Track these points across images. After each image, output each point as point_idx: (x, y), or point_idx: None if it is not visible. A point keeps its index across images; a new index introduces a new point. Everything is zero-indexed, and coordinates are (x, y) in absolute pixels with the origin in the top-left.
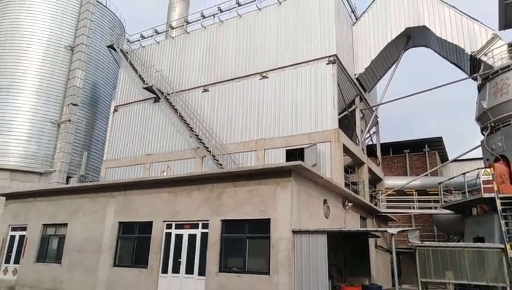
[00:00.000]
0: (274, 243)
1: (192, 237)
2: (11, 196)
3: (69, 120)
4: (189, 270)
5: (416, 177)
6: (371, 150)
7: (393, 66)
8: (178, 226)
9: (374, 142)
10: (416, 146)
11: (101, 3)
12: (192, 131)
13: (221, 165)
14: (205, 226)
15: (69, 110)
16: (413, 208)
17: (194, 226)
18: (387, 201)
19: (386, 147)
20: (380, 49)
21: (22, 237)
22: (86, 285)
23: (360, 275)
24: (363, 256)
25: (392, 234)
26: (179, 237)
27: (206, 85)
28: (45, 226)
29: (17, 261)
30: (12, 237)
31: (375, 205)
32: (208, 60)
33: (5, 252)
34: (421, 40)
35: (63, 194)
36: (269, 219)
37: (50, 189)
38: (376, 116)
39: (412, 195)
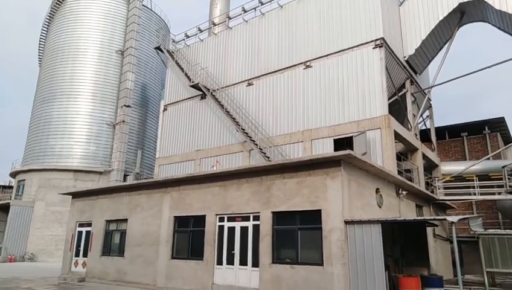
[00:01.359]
0: (326, 234)
1: (244, 230)
2: (76, 195)
3: (123, 121)
4: (243, 261)
5: (477, 162)
6: (424, 135)
7: (446, 45)
8: (230, 219)
9: (428, 127)
10: (475, 128)
11: (147, 7)
12: (239, 125)
13: (268, 157)
14: (256, 218)
15: (123, 111)
16: (474, 194)
17: (246, 218)
18: (445, 188)
19: (441, 131)
20: (431, 28)
21: (88, 233)
22: (147, 276)
23: (418, 266)
24: (420, 246)
25: (453, 222)
26: (232, 230)
27: (250, 79)
28: (108, 222)
29: (85, 255)
30: (80, 233)
31: (432, 192)
32: (251, 54)
33: (75, 246)
34: (477, 15)
35: (122, 191)
36: (320, 210)
37: (111, 187)
38: (429, 99)
39: (473, 180)
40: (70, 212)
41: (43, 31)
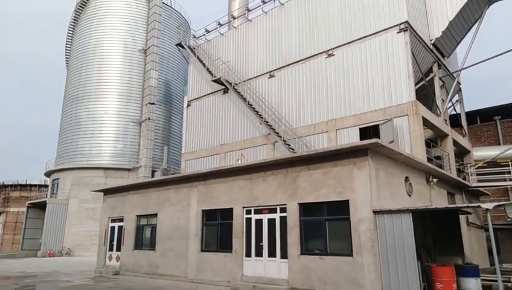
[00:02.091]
0: (355, 225)
1: (271, 222)
2: (108, 191)
3: (149, 118)
4: (272, 253)
5: None
6: (454, 121)
7: (476, 25)
8: (257, 212)
9: (458, 112)
10: (509, 111)
11: (167, 5)
12: (262, 118)
13: (292, 149)
14: (283, 210)
15: (148, 109)
16: (510, 179)
17: (272, 210)
18: (478, 174)
19: (473, 116)
20: (459, 8)
21: (120, 228)
22: (178, 269)
23: (451, 255)
24: (454, 234)
25: (488, 209)
26: (259, 222)
27: (271, 71)
28: (138, 217)
29: (118, 249)
30: (113, 228)
31: (464, 179)
32: (272, 46)
33: (108, 241)
34: None
35: (151, 187)
36: (347, 201)
37: (139, 183)
38: (458, 83)
39: (508, 166)
40: (103, 208)
41: (69, 34)
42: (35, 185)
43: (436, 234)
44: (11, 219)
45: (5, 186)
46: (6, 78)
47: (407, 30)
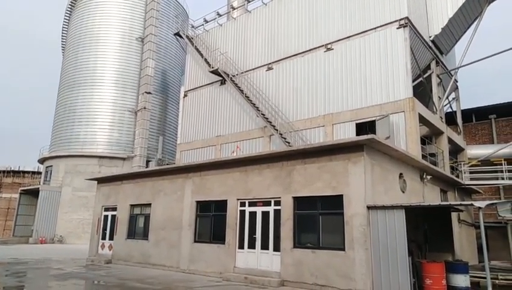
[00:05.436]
0: (348, 219)
1: (265, 214)
2: (102, 180)
3: (145, 108)
4: (265, 246)
5: (506, 145)
6: (450, 118)
7: (475, 23)
8: (251, 204)
9: (454, 109)
10: (504, 110)
11: None
12: (259, 110)
13: (288, 143)
14: (277, 203)
15: (144, 98)
16: (502, 178)
17: (267, 203)
18: (471, 172)
19: (468, 114)
20: (459, 5)
21: (113, 217)
22: (171, 259)
23: (442, 251)
24: (445, 231)
25: (480, 208)
26: (253, 215)
27: (269, 63)
28: (132, 206)
29: (111, 238)
30: (106, 217)
31: (457, 177)
32: (270, 38)
33: (101, 230)
34: None
35: (146, 177)
36: (342, 195)
37: (134, 172)
38: (455, 81)
39: (501, 164)
40: (96, 197)
41: (65, 19)
42: (28, 172)
43: (428, 230)
44: (3, 205)
45: None
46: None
47: (406, 26)
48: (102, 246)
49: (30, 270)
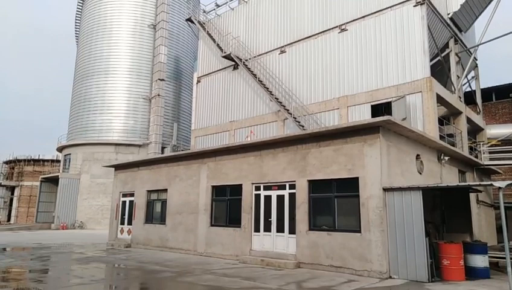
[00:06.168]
0: (364, 202)
1: (280, 198)
2: (119, 167)
3: (158, 95)
4: (280, 229)
5: None
6: (469, 98)
7: None
8: (266, 188)
9: (473, 88)
10: None
11: None
12: (272, 94)
13: (303, 126)
14: (292, 187)
15: (157, 85)
16: None
17: (282, 187)
18: (490, 152)
19: (488, 93)
20: None
21: (131, 202)
22: (188, 243)
23: (459, 232)
24: (463, 212)
25: (500, 188)
26: (268, 198)
27: (282, 46)
28: (149, 192)
29: (130, 223)
30: (124, 202)
31: (476, 157)
32: (283, 20)
33: (120, 215)
34: None
35: (162, 163)
36: (357, 178)
37: (150, 159)
38: (475, 59)
39: None
40: (114, 183)
41: (78, 9)
42: (47, 160)
43: (445, 211)
44: (26, 193)
45: (19, 161)
46: (21, 46)
47: (424, 3)
48: (122, 231)
49: (53, 254)
